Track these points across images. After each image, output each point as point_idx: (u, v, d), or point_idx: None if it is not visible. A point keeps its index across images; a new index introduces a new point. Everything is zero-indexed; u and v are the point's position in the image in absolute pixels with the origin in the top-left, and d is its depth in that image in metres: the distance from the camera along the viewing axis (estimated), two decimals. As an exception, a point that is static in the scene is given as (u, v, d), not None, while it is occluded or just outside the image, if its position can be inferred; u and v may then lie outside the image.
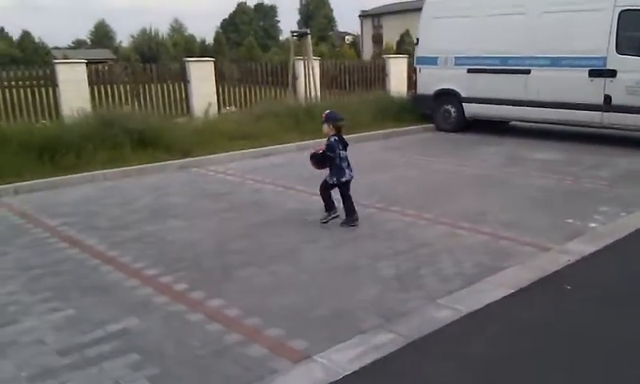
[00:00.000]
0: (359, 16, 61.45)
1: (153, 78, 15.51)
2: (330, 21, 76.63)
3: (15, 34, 69.27)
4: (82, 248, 5.65)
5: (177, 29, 72.82)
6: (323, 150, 6.16)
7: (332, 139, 6.09)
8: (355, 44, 61.18)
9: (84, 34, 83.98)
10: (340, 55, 43.96)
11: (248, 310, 4.11)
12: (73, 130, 8.85)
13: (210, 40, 67.73)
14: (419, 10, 13.84)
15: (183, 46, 58.56)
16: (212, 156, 9.99)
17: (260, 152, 10.58)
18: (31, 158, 8.41)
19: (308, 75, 14.07)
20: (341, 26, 73.12)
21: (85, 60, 15.12)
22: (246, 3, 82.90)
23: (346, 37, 72.02)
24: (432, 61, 13.33)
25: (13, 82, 13.56)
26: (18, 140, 8.48)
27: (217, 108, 14.90)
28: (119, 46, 71.76)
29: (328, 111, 6.34)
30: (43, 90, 13.73)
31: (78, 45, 74.92)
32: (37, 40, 67.12)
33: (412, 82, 14.36)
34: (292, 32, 14.36)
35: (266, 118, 11.99)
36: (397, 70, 18.46)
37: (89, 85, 14.17)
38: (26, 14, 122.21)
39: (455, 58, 12.87)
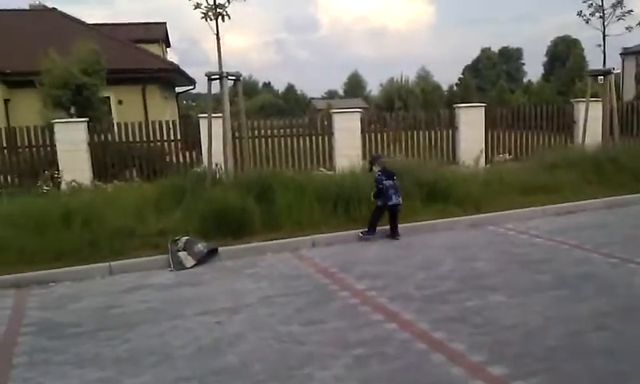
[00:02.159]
0: (620, 54, 54.84)
1: (421, 124, 15.10)
2: (581, 60, 69.96)
3: (279, 86, 78.00)
4: (401, 324, 4.93)
5: (423, 76, 73.87)
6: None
7: (378, 173, 7.99)
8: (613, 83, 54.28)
9: (336, 85, 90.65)
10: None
11: None
12: (362, 180, 8.51)
13: (453, 85, 67.32)
14: None
15: (430, 92, 58.87)
16: (506, 212, 8.81)
17: (562, 209, 9.07)
18: (327, 209, 8.24)
19: (606, 117, 12.03)
20: (594, 65, 65.95)
21: (359, 109, 15.37)
22: (490, 48, 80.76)
23: (599, 77, 64.79)
24: None
25: (293, 130, 14.41)
26: (314, 191, 8.40)
27: (484, 156, 13.78)
28: (369, 94, 75.64)
29: (373, 154, 7.91)
30: (320, 138, 14.31)
31: (331, 95, 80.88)
32: (298, 92, 74.63)
33: None
34: (590, 71, 12.50)
35: (560, 167, 10.39)
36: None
37: (360, 133, 14.35)
38: (288, 69, 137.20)
39: None
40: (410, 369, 4.11)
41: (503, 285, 5.80)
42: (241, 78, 9.58)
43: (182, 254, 7.00)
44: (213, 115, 9.65)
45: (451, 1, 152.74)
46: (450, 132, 15.09)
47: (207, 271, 6.81)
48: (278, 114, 43.94)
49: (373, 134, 14.75)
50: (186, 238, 7.24)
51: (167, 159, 13.37)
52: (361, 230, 7.95)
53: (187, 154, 13.53)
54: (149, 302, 5.83)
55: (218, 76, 9.30)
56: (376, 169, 8.12)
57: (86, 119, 13.16)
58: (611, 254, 6.65)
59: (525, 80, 79.33)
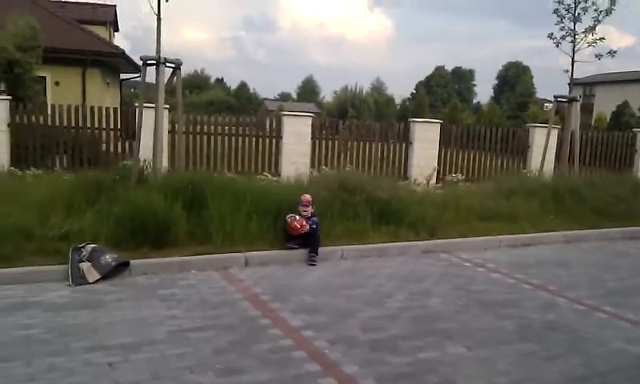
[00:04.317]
0: (568, 84, 56.53)
1: (374, 136, 14.32)
2: (530, 87, 71.64)
3: (232, 83, 76.13)
4: (340, 380, 3.98)
5: (377, 87, 73.85)
6: (310, 229, 6.96)
7: (316, 218, 7.10)
8: (559, 113, 55.98)
9: (290, 88, 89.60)
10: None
11: None
12: (312, 193, 7.52)
13: (406, 100, 67.51)
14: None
15: (384, 104, 58.74)
16: (462, 239, 8.05)
17: (519, 240, 8.40)
18: (266, 221, 7.22)
19: (566, 144, 11.53)
20: (540, 93, 67.57)
21: (311, 113, 14.45)
22: (444, 67, 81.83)
23: (545, 104, 67.04)
24: None
25: (240, 129, 13.33)
26: (252, 200, 7.36)
27: (436, 175, 13.13)
28: (322, 100, 74.89)
29: (308, 196, 7.28)
30: (268, 141, 13.29)
31: (284, 98, 79.71)
32: (251, 91, 72.99)
33: None
34: (556, 97, 12.01)
35: (517, 194, 9.76)
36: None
37: (311, 138, 13.44)
38: (242, 67, 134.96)
39: None
40: None
41: (462, 331, 4.95)
42: (181, 66, 8.45)
43: (85, 266, 5.81)
44: (146, 105, 8.49)
45: (410, 17, 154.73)
46: (404, 146, 14.41)
47: (112, 289, 5.64)
48: (228, 111, 42.45)
49: (324, 141, 13.89)
50: (93, 246, 6.06)
51: (104, 148, 12.07)
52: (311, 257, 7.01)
53: (127, 145, 12.25)
54: (30, 327, 4.64)
55: (154, 61, 8.15)
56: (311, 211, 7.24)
57: (9, 97, 11.68)
58: (578, 300, 5.94)
59: (474, 101, 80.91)
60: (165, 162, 9.57)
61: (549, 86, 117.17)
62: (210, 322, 4.90)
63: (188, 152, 12.55)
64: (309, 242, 6.98)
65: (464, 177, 13.58)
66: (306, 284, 6.12)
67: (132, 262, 6.11)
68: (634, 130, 16.60)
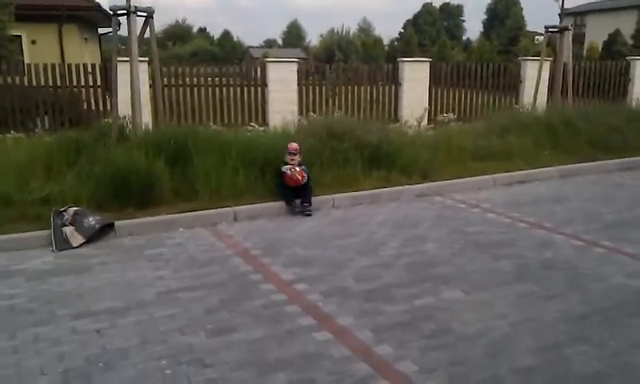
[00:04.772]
0: (559, 14, 55.26)
1: (362, 79, 13.97)
2: (520, 20, 70.38)
3: (215, 32, 74.29)
4: (336, 332, 3.86)
5: (365, 29, 72.24)
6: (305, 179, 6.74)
7: (304, 167, 6.87)
8: (550, 44, 55.09)
9: (275, 34, 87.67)
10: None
11: None
12: (300, 141, 7.27)
13: (394, 40, 66.23)
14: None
15: (372, 45, 57.55)
16: (456, 180, 7.88)
17: (514, 177, 8.24)
18: (253, 174, 7.01)
19: (558, 77, 11.23)
20: (531, 26, 66.29)
21: (297, 59, 14.04)
22: (431, 3, 79.87)
23: (536, 37, 65.82)
24: None
25: (224, 79, 12.96)
26: (239, 152, 7.12)
27: (427, 115, 12.88)
28: (308, 45, 73.38)
29: (295, 144, 6.96)
30: (253, 90, 12.94)
31: (269, 44, 78.03)
32: (235, 39, 71.27)
33: None
34: (547, 28, 11.62)
35: (511, 131, 9.55)
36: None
37: (297, 85, 13.09)
38: (225, 15, 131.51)
39: None
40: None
41: (458, 275, 4.84)
42: (153, 15, 8.03)
43: (68, 230, 5.62)
44: (121, 59, 8.11)
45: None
46: (393, 88, 14.09)
47: (98, 252, 5.47)
48: (212, 61, 41.52)
49: (311, 87, 13.55)
50: (75, 209, 5.85)
51: (85, 107, 11.70)
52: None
53: (109, 102, 11.89)
54: (14, 297, 4.48)
55: (124, 11, 7.73)
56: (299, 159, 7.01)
57: (-17, 59, 11.26)
58: (575, 235, 5.83)
59: (464, 38, 79.45)
60: (147, 118, 9.27)
61: (539, 17, 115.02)
62: (199, 281, 4.76)
63: (171, 106, 12.24)
64: (301, 192, 6.79)
65: (456, 116, 13.33)
66: (297, 236, 5.96)
67: (116, 223, 5.92)
68: (627, 58, 16.28)
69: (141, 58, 9.39)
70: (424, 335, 3.83)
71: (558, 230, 6.02)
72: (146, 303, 4.33)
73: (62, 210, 5.86)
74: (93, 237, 5.68)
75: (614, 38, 35.89)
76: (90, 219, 5.73)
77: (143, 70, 8.75)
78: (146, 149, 6.70)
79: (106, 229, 5.82)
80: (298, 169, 6.73)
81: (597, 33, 40.46)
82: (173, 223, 6.16)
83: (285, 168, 6.74)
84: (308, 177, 6.83)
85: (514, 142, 9.11)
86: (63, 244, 5.53)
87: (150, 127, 8.66)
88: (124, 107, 7.92)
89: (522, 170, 8.40)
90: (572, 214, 6.64)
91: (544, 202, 7.15)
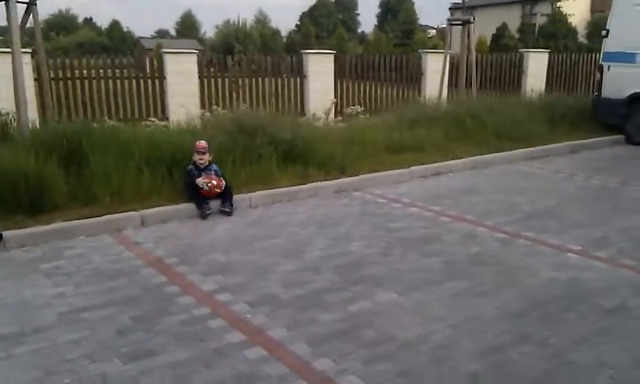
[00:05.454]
0: (450, 8, 57.74)
1: (266, 71, 13.58)
2: (412, 14, 73.15)
3: (103, 22, 70.34)
4: (270, 348, 3.49)
5: (261, 20, 71.43)
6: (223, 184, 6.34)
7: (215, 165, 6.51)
8: (444, 37, 57.55)
9: (167, 25, 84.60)
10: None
11: None
12: (208, 138, 6.76)
13: (292, 32, 66.06)
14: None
15: (270, 37, 56.92)
16: (373, 174, 7.73)
17: (429, 170, 8.23)
18: (159, 174, 6.41)
19: (468, 70, 11.45)
20: (422, 20, 68.87)
21: (195, 50, 13.34)
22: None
23: (428, 31, 68.49)
24: (628, 57, 10.53)
25: (117, 71, 12.05)
26: (141, 151, 6.50)
27: (334, 108, 12.76)
28: (204, 36, 71.44)
29: (204, 142, 6.49)
30: (150, 82, 12.12)
31: (161, 35, 75.10)
32: (125, 29, 67.86)
33: (597, 83, 11.49)
34: (449, 20, 11.83)
35: (420, 124, 9.59)
36: (536, 66, 15.79)
37: (198, 78, 12.45)
38: (111, 4, 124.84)
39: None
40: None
41: (390, 275, 4.62)
42: (36, 2, 7.14)
43: (-56, 245, 4.79)
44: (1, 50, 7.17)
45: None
46: (298, 80, 13.82)
47: (-18, 270, 4.71)
48: (101, 52, 39.14)
49: (212, 80, 12.94)
50: (-48, 220, 5.01)
51: None
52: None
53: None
54: None
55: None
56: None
57: None
58: (497, 227, 5.84)
59: (359, 30, 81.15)
60: (33, 114, 8.31)
61: (429, 12, 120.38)
62: (107, 297, 4.18)
63: (60, 101, 11.19)
64: (220, 195, 6.31)
65: (362, 109, 13.30)
66: (215, 240, 5.49)
67: (4, 233, 5.13)
68: (520, 50, 17.06)
69: (24, 50, 8.47)
70: (364, 344, 3.55)
71: (480, 222, 6.01)
72: (47, 327, 3.72)
73: None
74: (-26, 251, 4.88)
75: (501, 32, 38.02)
76: (-29, 231, 4.91)
77: (27, 62, 7.79)
78: (35, 149, 5.91)
79: (-7, 241, 5.03)
80: (214, 181, 6.22)
81: (485, 27, 42.74)
82: (71, 231, 5.46)
83: (201, 183, 6.18)
84: (225, 178, 6.38)
85: (424, 135, 9.14)
86: (-64, 262, 4.69)
87: (38, 124, 7.76)
88: (6, 104, 7.00)
89: (435, 162, 8.42)
90: (490, 205, 6.68)
91: (461, 194, 7.17)
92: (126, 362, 3.31)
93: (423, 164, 8.23)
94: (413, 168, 8.06)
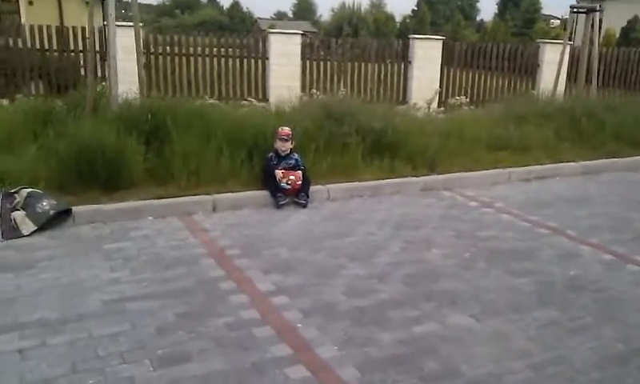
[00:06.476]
0: (578, -1, 53.54)
1: (370, 56, 13.11)
2: (536, 2, 68.50)
3: (225, 2, 72.86)
4: (316, 369, 3.11)
5: (377, 4, 70.54)
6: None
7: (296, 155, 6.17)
8: (566, 28, 53.36)
9: (286, 7, 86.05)
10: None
11: None
12: (294, 123, 6.45)
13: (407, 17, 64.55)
14: None
15: (384, 22, 56.02)
16: (467, 173, 7.06)
17: (532, 172, 7.42)
18: (239, 157, 6.21)
19: (590, 64, 10.24)
20: (546, 10, 64.22)
21: (303, 32, 13.14)
22: (446, -19, 77.86)
23: (551, 21, 63.91)
24: None
25: (222, 50, 12.13)
26: (225, 132, 6.31)
27: (438, 98, 11.98)
28: (319, 19, 71.89)
29: (287, 128, 6.14)
30: (254, 62, 12.11)
31: (280, 16, 76.61)
32: (244, 9, 69.95)
33: None
34: (572, 7, 10.68)
35: (529, 120, 8.68)
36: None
37: (301, 60, 12.24)
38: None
39: None
40: None
41: (467, 293, 4.06)
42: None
43: (19, 215, 4.85)
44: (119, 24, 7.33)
45: None
46: (402, 67, 13.23)
47: (50, 243, 4.71)
48: (219, 30, 40.40)
49: (315, 63, 12.70)
50: (28, 191, 5.07)
51: (83, 73, 11.02)
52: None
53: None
54: None
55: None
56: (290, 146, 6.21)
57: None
58: (603, 247, 5.03)
59: (478, 18, 77.76)
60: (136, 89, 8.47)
61: (554, 2, 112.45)
62: (159, 287, 4.00)
63: (166, 77, 11.45)
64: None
65: (468, 99, 12.46)
66: (283, 233, 5.18)
67: (76, 209, 5.15)
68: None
69: (125, 24, 8.71)
70: (423, 377, 3.07)
71: (583, 239, 5.21)
72: (88, 315, 3.57)
73: (13, 191, 5.11)
74: (48, 223, 4.92)
75: (632, 25, 34.58)
76: (44, 203, 4.96)
77: (130, 36, 7.94)
78: (118, 124, 5.91)
79: (64, 215, 5.06)
80: (292, 176, 5.89)
81: (614, 19, 39.04)
82: (142, 211, 5.38)
83: (283, 183, 5.87)
84: (304, 168, 6.05)
85: (531, 132, 8.26)
86: (11, 232, 4.77)
87: (138, 99, 7.88)
88: (130, 77, 7.18)
89: (541, 164, 7.56)
90: (598, 219, 5.82)
91: (566, 203, 6.34)
92: (157, 367, 3.07)
93: (525, 165, 7.41)
94: (512, 169, 7.28)
